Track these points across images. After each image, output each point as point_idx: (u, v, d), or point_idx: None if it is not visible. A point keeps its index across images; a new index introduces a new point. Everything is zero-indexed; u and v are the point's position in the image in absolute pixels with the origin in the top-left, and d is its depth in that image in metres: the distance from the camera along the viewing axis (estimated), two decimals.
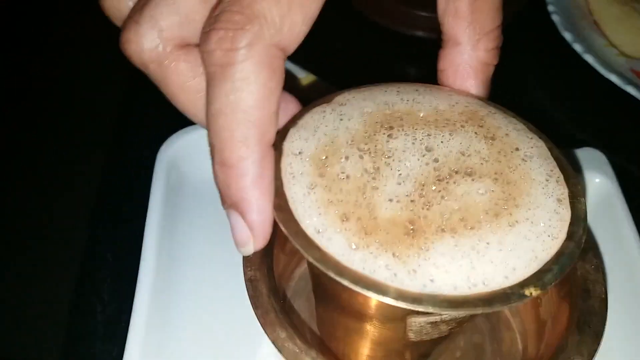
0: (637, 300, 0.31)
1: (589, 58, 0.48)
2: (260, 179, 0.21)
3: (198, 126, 0.24)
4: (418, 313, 0.23)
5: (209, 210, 0.35)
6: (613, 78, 0.47)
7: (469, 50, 0.25)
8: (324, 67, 0.47)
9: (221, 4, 0.20)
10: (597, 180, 0.36)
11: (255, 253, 0.29)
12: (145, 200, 0.34)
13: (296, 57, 0.48)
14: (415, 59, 0.53)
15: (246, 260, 0.27)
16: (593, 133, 0.48)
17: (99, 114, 0.47)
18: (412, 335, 0.25)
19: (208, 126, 0.21)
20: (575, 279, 0.28)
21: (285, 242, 0.27)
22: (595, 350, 0.25)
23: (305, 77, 0.45)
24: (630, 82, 0.47)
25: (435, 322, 0.24)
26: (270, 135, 0.22)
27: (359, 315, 0.26)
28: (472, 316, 0.25)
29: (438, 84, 0.28)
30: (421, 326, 0.24)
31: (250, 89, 0.20)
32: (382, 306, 0.24)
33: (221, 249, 0.31)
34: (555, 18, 0.52)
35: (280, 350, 0.24)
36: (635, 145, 0.48)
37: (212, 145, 0.21)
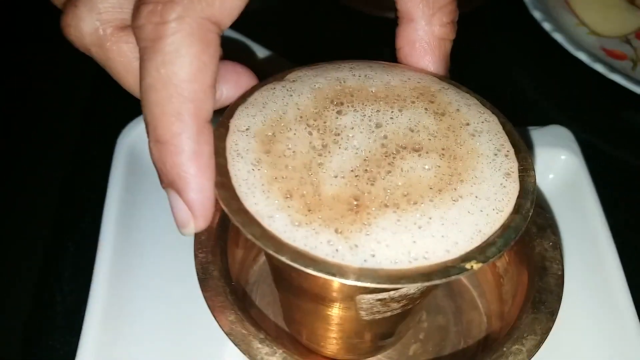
0: (597, 276, 0.31)
1: (558, 36, 0.48)
2: (197, 155, 0.20)
3: None
4: (365, 290, 0.23)
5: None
6: (581, 56, 0.47)
7: (423, 25, 0.25)
8: (294, 50, 0.47)
9: None
10: (563, 157, 0.36)
11: (208, 235, 0.28)
12: (105, 191, 0.33)
13: (265, 39, 0.47)
14: (388, 41, 0.53)
15: (198, 242, 0.26)
16: (563, 111, 0.48)
17: (65, 102, 0.47)
18: (363, 314, 0.25)
19: (142, 103, 0.21)
20: (533, 256, 0.27)
21: None
22: (549, 328, 0.25)
23: (268, 56, 0.44)
24: (599, 60, 0.47)
25: (384, 299, 0.23)
26: (207, 110, 0.21)
27: (312, 296, 0.25)
28: (424, 293, 0.25)
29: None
30: (371, 304, 0.24)
31: (181, 62, 0.20)
32: (329, 285, 0.24)
33: (180, 236, 0.31)
34: None
35: (227, 333, 0.24)
36: (604, 123, 0.48)
37: (146, 123, 0.21)
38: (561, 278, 0.26)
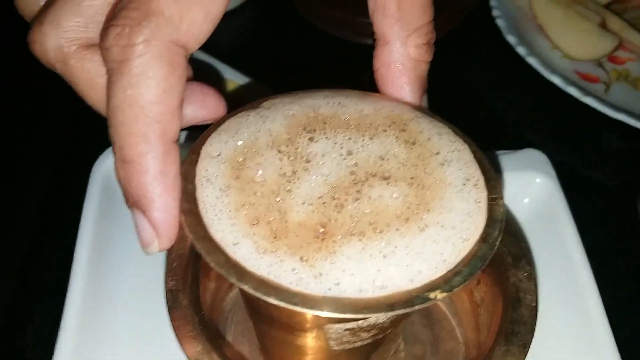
0: (574, 303, 0.31)
1: (532, 60, 0.49)
2: (162, 175, 0.21)
3: None
4: (333, 320, 0.23)
5: None
6: (555, 80, 0.48)
7: (398, 47, 0.25)
8: (272, 76, 0.47)
9: (121, 2, 0.20)
10: (538, 180, 0.36)
11: (179, 262, 0.28)
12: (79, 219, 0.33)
13: (241, 63, 0.48)
14: (365, 67, 0.54)
15: (169, 270, 0.26)
16: (538, 134, 0.48)
17: (43, 129, 0.47)
18: (333, 344, 0.24)
19: (109, 123, 0.21)
20: (507, 287, 0.27)
21: None
22: None
23: (246, 83, 0.45)
24: (572, 83, 0.48)
25: (353, 329, 0.23)
26: (173, 131, 0.21)
27: (282, 325, 0.25)
28: (395, 322, 0.25)
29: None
30: (340, 333, 0.23)
31: (147, 84, 0.20)
32: (296, 314, 0.23)
33: (152, 264, 0.30)
34: (499, 22, 0.53)
35: None
36: (578, 145, 0.48)
37: (113, 142, 0.21)
38: (535, 310, 0.26)
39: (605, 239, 0.39)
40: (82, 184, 0.36)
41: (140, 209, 0.21)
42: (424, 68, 0.26)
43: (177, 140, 0.22)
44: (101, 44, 0.20)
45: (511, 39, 0.51)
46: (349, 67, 0.53)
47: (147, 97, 0.20)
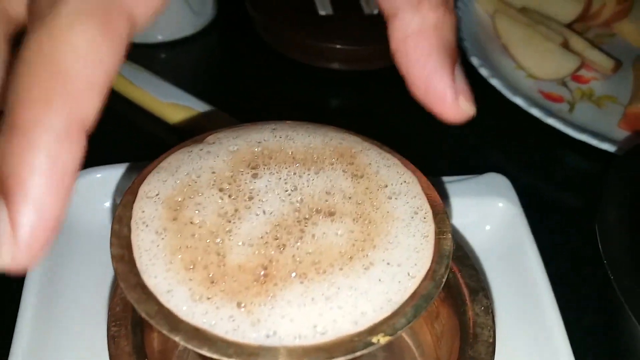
0: (538, 336, 0.30)
1: (495, 82, 0.49)
2: (55, 162, 0.16)
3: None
4: None
5: (95, 258, 0.33)
6: (518, 101, 0.48)
7: (410, 16, 0.21)
8: (231, 102, 0.47)
9: None
10: (501, 204, 0.36)
11: (124, 307, 0.27)
12: None
13: (200, 89, 0.47)
14: (333, 92, 0.53)
15: (112, 315, 0.25)
16: (501, 157, 0.48)
17: None
18: None
19: (10, 79, 0.17)
20: (464, 322, 0.26)
21: None
22: None
23: (207, 112, 0.44)
24: (535, 104, 0.48)
25: None
26: (85, 112, 0.16)
27: None
28: None
29: (335, 126, 0.26)
30: None
31: (71, 41, 0.16)
32: None
33: (96, 305, 0.29)
34: (464, 44, 0.53)
35: None
36: (542, 167, 0.48)
37: (6, 107, 0.16)
38: (492, 346, 0.25)
39: (568, 264, 0.39)
40: None
41: (5, 196, 0.16)
42: (448, 34, 0.21)
43: (86, 135, 0.17)
44: None
45: (475, 60, 0.51)
46: (314, 92, 0.53)
47: (66, 57, 0.16)
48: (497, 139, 0.50)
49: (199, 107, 0.45)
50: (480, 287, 0.27)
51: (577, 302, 0.34)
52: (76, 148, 0.16)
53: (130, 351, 0.24)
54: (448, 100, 0.21)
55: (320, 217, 0.22)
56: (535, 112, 0.47)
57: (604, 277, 0.30)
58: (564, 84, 0.54)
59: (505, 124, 0.50)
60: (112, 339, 0.24)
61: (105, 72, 0.17)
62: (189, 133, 0.33)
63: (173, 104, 0.45)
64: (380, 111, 0.51)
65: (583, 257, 0.39)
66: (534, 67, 0.53)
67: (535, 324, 0.31)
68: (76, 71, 0.16)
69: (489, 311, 0.26)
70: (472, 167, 0.41)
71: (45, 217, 0.16)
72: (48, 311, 0.30)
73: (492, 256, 0.33)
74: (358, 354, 0.18)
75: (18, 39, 0.19)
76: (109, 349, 0.24)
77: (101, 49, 0.16)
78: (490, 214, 0.35)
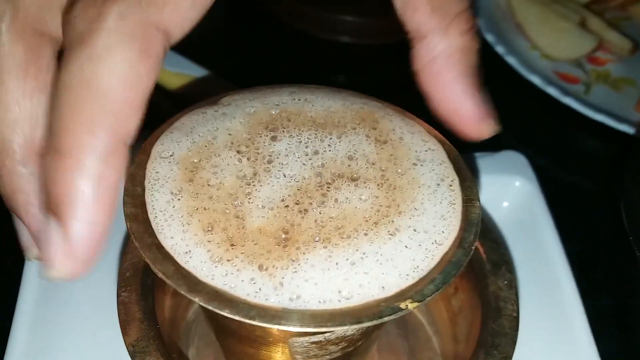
0: (555, 311, 0.29)
1: (511, 60, 0.48)
2: (100, 180, 0.17)
3: None
4: (297, 333, 0.21)
5: None
6: (534, 79, 0.47)
7: (439, 39, 0.21)
8: (241, 75, 0.45)
9: None
10: (518, 183, 0.35)
11: (134, 272, 0.26)
12: None
13: (204, 59, 0.45)
14: (341, 66, 0.52)
15: (122, 280, 0.24)
16: (517, 136, 0.47)
17: None
18: (299, 358, 0.22)
19: (51, 107, 0.17)
20: (486, 296, 0.26)
21: None
22: None
23: (205, 76, 0.43)
24: (551, 83, 0.47)
25: (320, 342, 0.21)
26: (127, 131, 0.17)
27: (243, 338, 0.23)
28: (366, 334, 0.23)
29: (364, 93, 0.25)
30: (306, 347, 0.22)
31: (112, 63, 0.17)
32: (256, 327, 0.21)
33: (105, 270, 0.28)
34: (478, 21, 0.52)
35: None
36: (557, 147, 0.47)
37: (48, 132, 0.17)
38: (516, 320, 0.24)
39: (587, 244, 0.38)
40: None
41: (58, 217, 0.17)
42: (473, 57, 0.22)
43: (129, 145, 0.18)
44: (66, 15, 0.17)
45: (490, 37, 0.50)
46: (321, 65, 0.52)
47: (108, 80, 0.16)
48: (510, 118, 0.48)
49: (198, 73, 0.43)
50: (502, 261, 0.26)
51: (595, 282, 0.34)
52: (119, 164, 0.17)
53: (142, 317, 0.23)
54: (474, 123, 0.22)
55: (343, 182, 0.21)
56: (551, 91, 0.46)
57: (623, 253, 0.30)
58: (579, 65, 0.53)
59: (520, 102, 0.49)
60: (122, 305, 0.23)
61: (144, 91, 0.17)
62: (188, 99, 0.31)
63: (172, 72, 0.44)
64: (390, 88, 0.49)
65: (600, 237, 0.39)
66: (550, 46, 0.52)
67: (552, 300, 0.30)
68: (117, 94, 0.17)
69: (512, 285, 0.25)
70: (486, 144, 0.40)
71: (95, 230, 0.17)
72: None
73: (509, 233, 0.32)
74: (386, 319, 0.18)
75: None
76: (119, 315, 0.23)
77: (140, 69, 0.17)
78: (507, 191, 0.35)
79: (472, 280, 0.27)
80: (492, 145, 0.41)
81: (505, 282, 0.26)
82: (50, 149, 0.17)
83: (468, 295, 0.27)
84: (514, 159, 0.36)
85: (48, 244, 0.17)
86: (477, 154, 0.36)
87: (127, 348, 0.22)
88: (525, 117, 0.49)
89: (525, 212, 0.33)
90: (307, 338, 0.21)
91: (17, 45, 0.19)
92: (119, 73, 0.17)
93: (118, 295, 0.24)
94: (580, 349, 0.28)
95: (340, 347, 0.22)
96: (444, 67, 0.22)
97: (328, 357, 0.23)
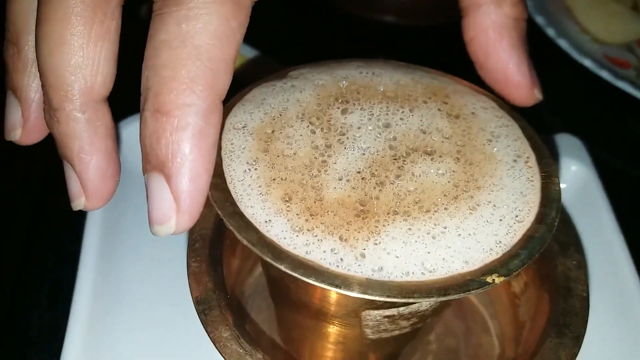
0: (619, 297, 0.29)
1: (562, 42, 0.47)
2: (202, 137, 0.17)
3: None
4: (372, 306, 0.21)
5: None
6: (587, 63, 0.45)
7: (493, 9, 0.23)
8: (288, 55, 0.45)
9: None
10: (574, 167, 0.34)
11: (202, 243, 0.26)
12: None
13: (258, 43, 0.45)
14: (385, 46, 0.51)
15: (191, 251, 0.24)
16: (567, 118, 0.46)
17: None
18: (369, 332, 0.22)
19: (145, 63, 0.17)
20: (555, 276, 0.25)
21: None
22: (575, 355, 0.23)
23: (255, 57, 0.42)
24: (603, 66, 0.45)
25: (392, 315, 0.21)
26: (223, 86, 0.18)
27: (312, 311, 0.23)
28: (437, 310, 0.23)
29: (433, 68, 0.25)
30: (377, 321, 0.22)
31: (208, 20, 0.17)
32: (333, 298, 0.21)
33: (171, 243, 0.28)
34: (528, 2, 0.50)
35: (221, 352, 0.22)
36: (608, 131, 0.46)
37: (146, 88, 0.17)
38: (586, 300, 0.24)
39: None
40: None
41: (163, 174, 0.17)
42: (523, 27, 0.23)
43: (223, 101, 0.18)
44: None
45: (540, 19, 0.49)
46: (364, 45, 0.51)
47: (205, 37, 0.17)
48: (561, 101, 0.47)
49: (247, 52, 0.43)
50: (571, 242, 0.26)
51: None
52: (217, 120, 0.18)
53: (213, 287, 0.23)
54: (526, 90, 0.23)
55: (419, 156, 0.21)
56: (604, 74, 0.45)
57: None
58: (630, 49, 0.51)
59: (570, 86, 0.48)
60: (192, 275, 0.23)
61: (236, 46, 0.18)
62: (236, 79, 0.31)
63: None
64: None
65: None
66: (600, 30, 0.50)
67: (613, 285, 0.29)
68: (214, 50, 0.17)
69: (582, 266, 0.25)
70: (536, 128, 0.39)
71: (200, 184, 0.17)
72: (111, 248, 0.29)
73: (572, 220, 0.31)
74: (473, 292, 0.17)
75: None
76: (190, 286, 0.23)
77: (233, 24, 0.17)
78: (563, 175, 0.34)
79: (538, 261, 0.26)
80: (542, 128, 0.40)
81: (575, 262, 0.25)
82: (149, 107, 0.17)
83: (532, 277, 0.27)
84: (570, 142, 0.35)
85: (159, 201, 0.17)
86: None
87: (199, 317, 0.22)
88: (574, 101, 0.48)
89: (582, 196, 0.33)
90: (380, 312, 0.21)
91: None
92: (214, 29, 0.17)
93: (188, 266, 0.24)
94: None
95: (410, 322, 0.22)
96: (497, 36, 0.23)
97: (398, 332, 0.23)
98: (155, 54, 0.17)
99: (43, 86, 0.18)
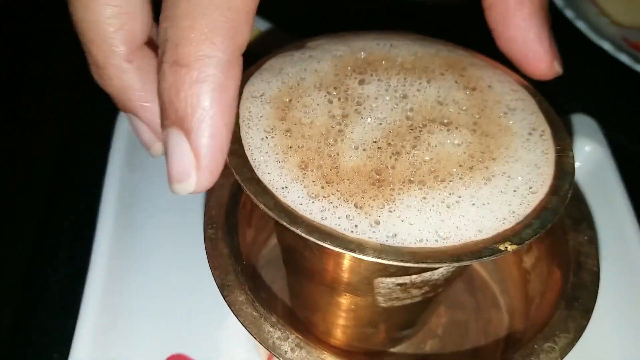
0: (629, 274, 0.29)
1: (581, 25, 0.46)
2: (222, 90, 0.16)
3: None
4: (385, 273, 0.21)
5: None
6: (606, 45, 0.45)
7: None
8: (299, 28, 0.45)
9: None
10: (588, 148, 0.34)
11: (219, 211, 0.27)
12: (104, 168, 0.32)
13: (275, 17, 0.45)
14: (415, 26, 0.51)
15: (208, 217, 0.25)
16: (583, 101, 0.45)
17: (56, 81, 0.44)
18: (381, 300, 0.23)
19: (163, 15, 0.17)
20: (566, 250, 0.25)
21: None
22: (583, 327, 0.23)
23: (268, 30, 0.42)
24: (622, 49, 0.45)
25: (405, 284, 0.22)
26: (244, 38, 0.17)
27: (325, 278, 0.24)
28: (448, 280, 0.23)
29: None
30: (390, 289, 0.22)
31: None
32: (346, 265, 0.22)
33: (183, 212, 0.29)
34: None
35: (237, 315, 0.22)
36: (629, 116, 0.45)
37: (164, 41, 0.17)
38: (597, 275, 0.24)
39: None
40: (106, 131, 0.34)
41: (182, 129, 0.16)
42: None
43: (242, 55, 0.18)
44: None
45: (559, 1, 0.48)
46: (394, 24, 0.50)
47: None
48: (578, 83, 0.47)
49: (261, 26, 0.43)
50: (583, 217, 0.26)
51: None
52: (238, 73, 0.17)
53: (228, 253, 0.24)
54: (545, 62, 0.22)
55: (435, 127, 0.21)
56: (623, 57, 0.44)
57: None
58: None
59: (588, 68, 0.47)
60: (209, 240, 0.24)
61: None
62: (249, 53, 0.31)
63: None
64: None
65: None
66: (620, 12, 0.49)
67: (625, 262, 0.29)
68: (234, 1, 0.16)
69: (593, 241, 0.25)
70: (553, 108, 0.39)
71: (220, 141, 0.17)
72: (130, 214, 0.30)
73: (585, 196, 0.32)
74: (485, 259, 0.18)
75: None
76: (206, 250, 0.24)
77: None
78: (577, 155, 0.34)
79: (550, 236, 0.26)
80: (558, 108, 0.40)
81: (586, 237, 0.25)
82: (168, 59, 0.17)
83: (544, 252, 0.27)
84: (585, 122, 0.35)
85: (177, 157, 0.17)
86: None
87: (215, 281, 0.23)
88: (594, 83, 0.47)
89: (596, 176, 0.33)
90: (393, 279, 0.21)
91: None
92: None
93: (205, 231, 0.24)
94: None
95: (422, 291, 0.23)
96: (517, 3, 0.21)
97: (409, 300, 0.23)
98: (173, 3, 0.16)
99: (84, 45, 0.18)
